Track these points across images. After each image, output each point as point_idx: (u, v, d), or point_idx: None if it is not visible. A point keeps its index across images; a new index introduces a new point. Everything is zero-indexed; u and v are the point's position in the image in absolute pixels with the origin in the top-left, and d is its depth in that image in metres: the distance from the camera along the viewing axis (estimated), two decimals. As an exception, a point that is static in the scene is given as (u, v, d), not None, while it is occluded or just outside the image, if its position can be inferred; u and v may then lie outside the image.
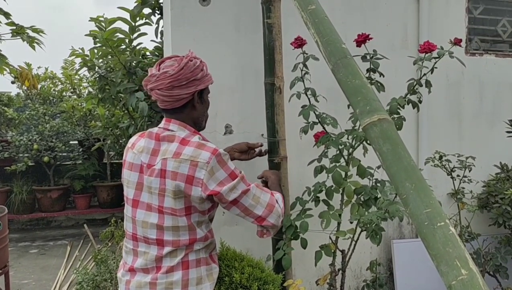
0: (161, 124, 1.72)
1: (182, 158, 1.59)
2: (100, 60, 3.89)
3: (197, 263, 1.68)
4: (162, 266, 1.63)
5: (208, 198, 1.62)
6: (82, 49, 4.06)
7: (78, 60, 4.12)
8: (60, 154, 6.21)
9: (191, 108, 1.72)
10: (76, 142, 6.51)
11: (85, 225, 4.90)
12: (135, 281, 1.66)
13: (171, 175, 1.58)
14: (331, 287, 2.27)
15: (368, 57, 2.31)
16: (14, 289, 4.21)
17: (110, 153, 6.26)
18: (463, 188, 2.87)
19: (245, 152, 2.23)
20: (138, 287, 1.64)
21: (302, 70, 2.22)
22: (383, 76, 2.36)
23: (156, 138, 1.68)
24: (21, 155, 6.05)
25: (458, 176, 2.79)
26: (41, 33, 4.76)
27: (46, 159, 5.99)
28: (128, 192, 1.71)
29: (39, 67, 6.72)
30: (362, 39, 2.24)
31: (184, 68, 1.63)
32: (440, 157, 2.74)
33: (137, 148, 1.71)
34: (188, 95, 1.67)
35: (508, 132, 2.96)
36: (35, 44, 4.76)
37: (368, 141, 2.19)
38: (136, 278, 1.66)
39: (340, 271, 2.30)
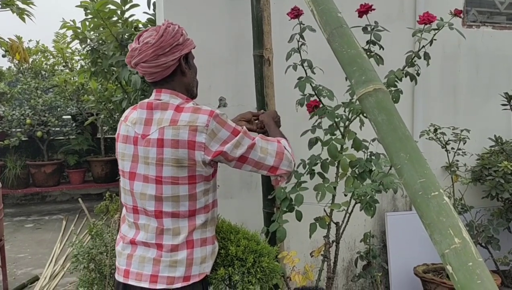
0: (152, 96, 1.69)
1: (179, 124, 1.56)
2: (92, 33, 3.82)
3: (202, 242, 1.67)
4: (164, 244, 1.61)
5: (211, 162, 1.61)
6: (74, 21, 3.98)
7: (70, 33, 4.04)
8: (53, 129, 6.17)
9: (181, 75, 1.69)
10: (69, 117, 6.47)
11: (79, 199, 4.90)
12: (138, 255, 1.64)
13: (171, 143, 1.56)
14: (325, 259, 2.30)
15: (369, 28, 2.26)
16: (10, 263, 4.23)
17: (103, 127, 6.22)
18: (457, 161, 2.89)
19: (250, 121, 2.17)
20: (141, 262, 1.63)
21: (298, 41, 2.18)
22: (383, 48, 2.32)
23: (148, 107, 1.65)
24: (13, 129, 6.01)
25: (452, 148, 2.80)
26: (31, 5, 4.66)
27: (39, 133, 5.95)
28: (124, 165, 1.68)
29: (30, 41, 6.60)
30: (364, 10, 2.18)
31: (165, 35, 1.60)
32: (435, 130, 2.74)
33: (130, 120, 1.69)
34: (174, 62, 1.64)
35: (503, 105, 2.96)
36: (25, 16, 4.66)
37: (364, 114, 2.18)
38: (138, 253, 1.65)
39: (334, 243, 2.32)
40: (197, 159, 1.57)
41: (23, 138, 6.05)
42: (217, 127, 1.58)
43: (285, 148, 1.76)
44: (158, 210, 1.61)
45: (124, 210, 1.77)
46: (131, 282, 1.64)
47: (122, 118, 1.75)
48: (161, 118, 1.60)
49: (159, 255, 1.61)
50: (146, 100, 1.69)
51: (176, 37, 1.62)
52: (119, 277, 1.68)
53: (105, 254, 2.89)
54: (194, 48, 1.73)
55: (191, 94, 1.75)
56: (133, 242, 1.67)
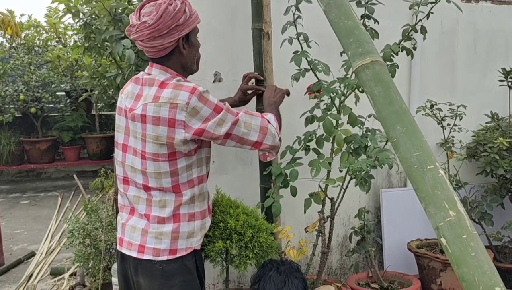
0: (146, 69, 1.68)
1: (161, 101, 1.54)
2: (85, 7, 3.74)
3: (190, 217, 1.67)
4: (152, 215, 1.64)
5: (192, 139, 1.59)
6: (65, -6, 3.89)
7: (62, 7, 3.96)
8: (47, 105, 6.11)
9: (178, 55, 1.64)
10: (63, 93, 6.39)
11: (75, 176, 4.90)
12: (130, 225, 1.68)
13: (153, 120, 1.54)
14: (320, 234, 2.31)
15: (363, 2, 2.24)
16: (7, 239, 4.25)
17: (98, 104, 6.16)
18: (453, 137, 2.88)
19: (243, 100, 2.17)
20: (132, 231, 1.67)
21: (294, 14, 2.14)
22: (378, 22, 2.29)
23: (140, 82, 1.65)
24: (7, 105, 5.94)
25: (448, 125, 2.79)
26: (21, -22, 4.55)
27: (33, 110, 5.89)
28: (118, 137, 1.70)
29: (22, 15, 6.48)
30: (355, -18, 2.15)
31: (164, 16, 1.52)
32: (431, 106, 2.72)
33: (125, 92, 1.69)
34: (172, 43, 1.58)
35: (500, 81, 2.94)
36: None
37: (360, 89, 2.16)
38: (130, 222, 1.68)
39: (329, 218, 2.32)
40: (176, 137, 1.55)
41: (17, 115, 5.99)
42: (199, 105, 1.55)
43: (269, 122, 1.75)
44: (145, 184, 1.64)
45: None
46: (123, 250, 1.69)
47: (121, 90, 1.74)
48: (147, 95, 1.59)
49: (148, 226, 1.64)
50: (141, 74, 1.67)
51: (176, 18, 1.54)
52: (118, 245, 1.74)
53: (100, 229, 2.90)
54: (198, 23, 1.66)
55: (189, 71, 1.72)
56: (128, 213, 1.72)
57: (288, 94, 2.14)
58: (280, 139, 1.80)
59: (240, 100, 2.15)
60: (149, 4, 1.57)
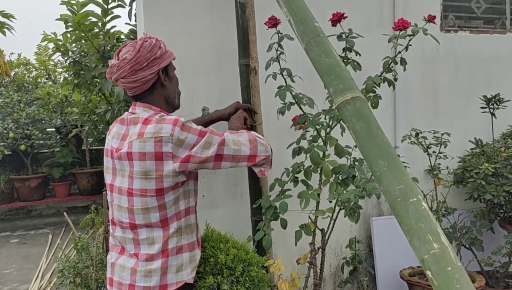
0: (130, 109, 1.74)
1: (145, 137, 1.59)
2: (74, 45, 3.80)
3: (178, 250, 1.69)
4: (140, 254, 1.65)
5: (182, 171, 1.62)
6: (55, 33, 3.96)
7: (52, 45, 4.02)
8: (37, 142, 6.11)
9: (160, 88, 1.72)
10: (53, 129, 6.40)
11: (65, 213, 4.85)
12: (119, 264, 1.70)
13: (139, 156, 1.59)
14: (312, 265, 2.30)
15: (343, 36, 2.30)
16: (-5, 280, 4.17)
17: (88, 139, 6.17)
18: (439, 164, 2.92)
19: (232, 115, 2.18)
20: (122, 271, 1.68)
21: (277, 51, 2.20)
22: (359, 55, 2.35)
23: (124, 122, 1.71)
24: (-4, 143, 5.93)
25: (434, 152, 2.83)
26: (11, 18, 4.63)
27: (23, 147, 5.88)
28: (107, 178, 1.75)
29: (11, 54, 6.55)
30: (337, 18, 2.23)
31: (141, 50, 1.63)
32: (417, 134, 2.77)
33: (111, 134, 1.75)
34: (153, 76, 1.67)
35: (482, 108, 3.00)
36: (5, 30, 4.63)
37: (345, 121, 2.20)
38: (120, 262, 1.70)
39: (320, 250, 2.32)
40: (165, 168, 1.59)
41: (7, 152, 5.98)
42: (183, 135, 1.60)
43: (256, 135, 1.79)
44: (132, 223, 1.66)
45: None
46: None
47: (108, 132, 1.80)
48: (132, 133, 1.65)
49: (137, 264, 1.66)
50: (125, 114, 1.73)
51: (153, 52, 1.65)
52: (108, 285, 1.75)
53: (91, 268, 2.86)
54: (174, 59, 1.76)
55: (172, 105, 1.80)
56: (118, 252, 1.74)
57: (250, 108, 2.21)
58: (271, 150, 1.82)
59: (229, 115, 2.18)
60: (126, 47, 1.68)
